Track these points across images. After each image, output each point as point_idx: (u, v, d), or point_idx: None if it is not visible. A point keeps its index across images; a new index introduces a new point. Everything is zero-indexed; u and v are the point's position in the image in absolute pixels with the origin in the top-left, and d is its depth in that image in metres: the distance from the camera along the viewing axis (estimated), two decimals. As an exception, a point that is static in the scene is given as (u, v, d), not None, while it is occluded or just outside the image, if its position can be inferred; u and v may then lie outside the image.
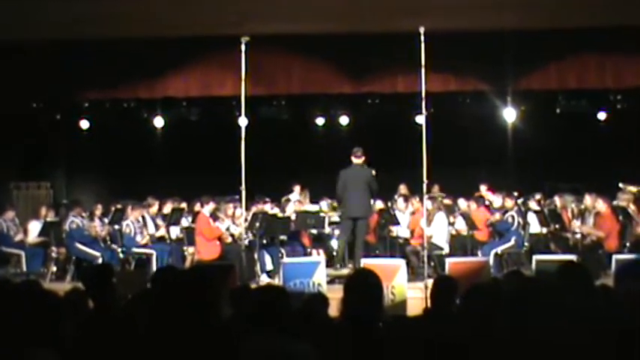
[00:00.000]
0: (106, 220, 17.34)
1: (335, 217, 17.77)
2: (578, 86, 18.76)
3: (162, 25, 16.48)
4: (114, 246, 16.91)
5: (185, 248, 17.18)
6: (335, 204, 17.80)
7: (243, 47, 14.59)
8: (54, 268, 16.75)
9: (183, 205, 18.65)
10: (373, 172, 15.71)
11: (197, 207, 17.56)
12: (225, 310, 5.83)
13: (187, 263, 16.80)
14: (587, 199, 17.16)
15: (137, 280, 13.13)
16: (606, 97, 21.13)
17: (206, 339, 3.96)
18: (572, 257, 14.17)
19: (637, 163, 20.01)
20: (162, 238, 17.40)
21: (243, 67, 14.57)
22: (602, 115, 22.39)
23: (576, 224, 17.28)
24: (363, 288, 5.20)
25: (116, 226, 17.09)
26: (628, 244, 16.27)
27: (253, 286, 12.36)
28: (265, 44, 16.19)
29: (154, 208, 17.84)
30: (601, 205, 16.43)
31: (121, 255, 16.57)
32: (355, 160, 15.57)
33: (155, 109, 21.35)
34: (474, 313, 5.53)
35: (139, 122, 21.95)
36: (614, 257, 14.30)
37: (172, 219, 17.78)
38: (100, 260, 15.75)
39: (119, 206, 17.63)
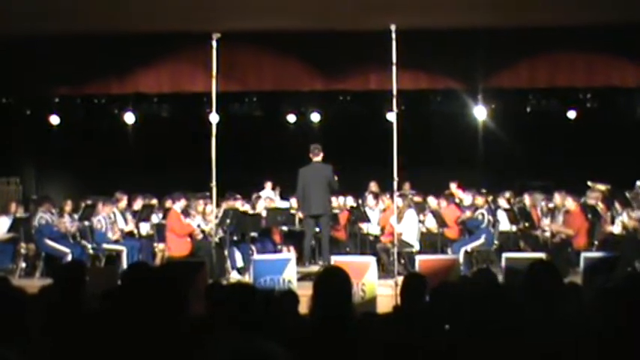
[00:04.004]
0: (76, 216, 17.25)
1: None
2: (548, 85, 18.84)
3: (133, 20, 16.43)
4: (84, 242, 16.83)
5: (155, 245, 17.14)
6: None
7: (214, 44, 14.55)
8: (23, 265, 16.65)
9: (154, 201, 18.61)
10: (332, 171, 15.67)
11: (168, 203, 17.51)
12: (196, 306, 5.83)
13: (158, 260, 16.76)
14: (557, 198, 17.27)
15: (107, 277, 13.08)
16: (576, 95, 21.28)
17: (175, 336, 3.97)
18: (542, 255, 14.27)
19: (606, 161, 20.17)
20: (131, 234, 17.32)
21: (214, 63, 14.54)
22: (572, 114, 22.54)
23: (546, 222, 17.40)
24: (332, 285, 5.22)
25: (86, 222, 17.00)
26: (596, 242, 16.38)
27: (224, 283, 12.41)
28: (236, 41, 16.18)
29: (123, 203, 17.74)
30: (570, 204, 16.53)
31: (91, 251, 16.49)
32: (314, 158, 15.58)
33: (126, 105, 21.30)
34: (442, 310, 5.57)
35: (109, 118, 21.89)
36: (583, 255, 14.40)
37: (143, 215, 17.73)
38: (69, 257, 15.66)
39: (89, 202, 17.56)
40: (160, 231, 17.08)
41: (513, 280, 11.76)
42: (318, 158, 15.59)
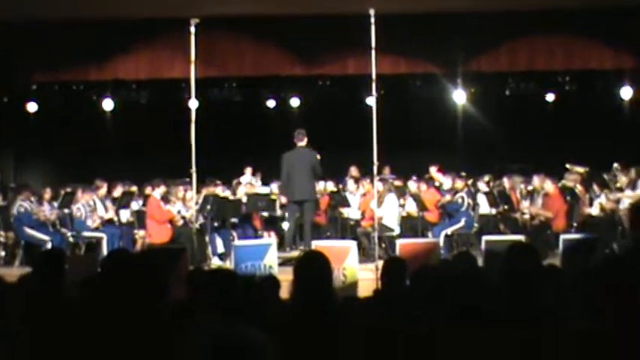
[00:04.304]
0: (56, 204, 17.18)
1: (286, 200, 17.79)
2: (527, 68, 18.91)
3: (111, 6, 16.37)
4: (63, 230, 16.77)
5: (136, 232, 17.10)
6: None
7: (192, 29, 14.47)
8: (2, 253, 16.60)
9: (134, 188, 18.54)
10: (317, 156, 15.69)
11: (148, 190, 17.46)
12: (178, 292, 5.83)
13: (138, 247, 16.72)
14: (536, 180, 17.33)
15: (87, 265, 13.06)
16: (555, 78, 21.34)
17: (156, 322, 3.97)
18: (521, 237, 14.33)
19: (584, 144, 20.26)
20: (111, 221, 17.26)
21: (193, 49, 14.48)
22: (550, 97, 22.63)
23: (525, 205, 17.48)
24: (312, 270, 5.23)
25: (66, 210, 16.94)
26: (575, 224, 16.48)
27: (205, 269, 12.39)
28: (215, 26, 16.16)
29: (103, 190, 17.66)
30: (549, 186, 16.61)
31: (71, 239, 16.42)
32: (299, 143, 15.57)
33: (104, 91, 21.19)
34: (423, 293, 5.59)
35: (88, 105, 21.77)
36: (562, 237, 14.47)
37: (123, 202, 17.67)
38: (49, 244, 15.58)
39: (69, 190, 17.48)
40: (140, 218, 17.04)
41: (493, 262, 11.82)
42: (303, 143, 15.58)
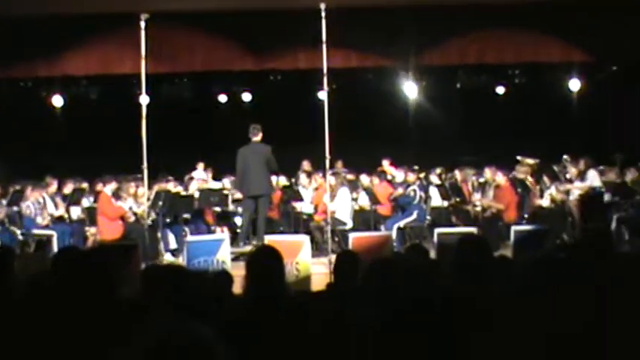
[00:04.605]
0: (4, 202, 17.00)
1: (238, 195, 17.74)
2: (478, 61, 19.00)
3: (60, 2, 16.21)
4: (12, 228, 16.59)
5: (87, 229, 16.96)
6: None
7: (142, 24, 14.40)
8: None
9: (85, 185, 18.41)
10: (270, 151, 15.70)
11: (99, 187, 17.34)
12: (130, 289, 5.80)
13: (89, 244, 16.59)
14: (487, 172, 17.45)
15: (38, 262, 12.93)
16: (505, 71, 21.51)
17: (107, 319, 3.95)
18: (473, 229, 14.45)
19: (534, 136, 20.44)
20: (61, 218, 17.12)
21: (143, 44, 14.40)
22: (500, 90, 22.81)
23: (476, 197, 17.59)
24: (264, 265, 5.23)
25: (15, 208, 16.77)
26: (526, 216, 16.61)
27: (158, 265, 12.33)
28: (165, 21, 16.06)
29: (53, 188, 17.52)
30: (500, 178, 16.73)
31: (20, 237, 16.26)
32: (253, 138, 15.56)
33: (54, 87, 21.01)
34: (376, 287, 5.60)
35: (37, 101, 21.57)
36: (513, 228, 14.61)
37: (73, 199, 17.53)
38: (-2, 243, 15.45)
39: (18, 187, 17.31)
40: (91, 215, 16.90)
41: (445, 254, 11.87)
42: (257, 138, 15.57)
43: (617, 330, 4.33)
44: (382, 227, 16.82)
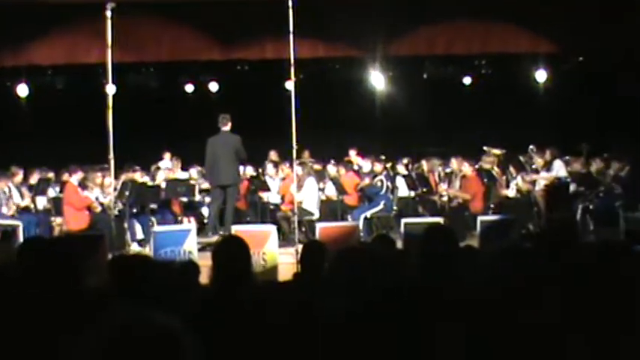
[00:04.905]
0: (-30, 192, 16.90)
1: (205, 185, 17.72)
2: (445, 52, 19.04)
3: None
4: (-22, 218, 16.50)
5: (53, 219, 16.88)
6: (204, 171, 17.73)
7: (108, 14, 14.33)
8: None
9: (51, 174, 18.31)
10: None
11: (65, 177, 17.25)
12: (96, 279, 5.78)
13: (55, 234, 16.52)
14: (454, 163, 17.55)
15: (3, 253, 12.84)
16: (471, 62, 21.58)
17: (72, 310, 3.94)
18: (439, 219, 14.51)
19: (501, 126, 20.54)
20: (27, 209, 17.02)
21: (109, 33, 14.33)
22: (467, 80, 22.90)
23: (443, 187, 17.68)
24: (230, 255, 5.24)
25: (-20, 198, 16.66)
26: (492, 206, 16.70)
27: (124, 255, 12.28)
28: (132, 11, 15.96)
29: (19, 177, 17.40)
30: (467, 168, 16.82)
31: (-15, 227, 16.17)
32: (223, 128, 15.54)
33: (19, 77, 20.82)
34: (342, 277, 5.62)
35: (2, 91, 21.39)
36: (479, 218, 14.71)
37: (39, 189, 17.43)
38: (-38, 234, 15.34)
39: (-18, 177, 17.20)
40: (57, 205, 16.82)
41: (412, 244, 11.91)
42: (227, 128, 15.56)
43: (583, 319, 4.37)
44: (349, 217, 16.86)
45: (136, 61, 19.11)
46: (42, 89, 21.46)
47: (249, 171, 18.81)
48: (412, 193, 17.65)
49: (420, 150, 20.53)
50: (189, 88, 23.09)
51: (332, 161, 18.86)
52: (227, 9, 17.30)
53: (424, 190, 17.64)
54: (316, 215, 16.78)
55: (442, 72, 22.42)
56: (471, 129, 21.29)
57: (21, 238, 15.55)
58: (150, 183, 17.41)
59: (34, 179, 17.88)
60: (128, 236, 15.90)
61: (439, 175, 18.38)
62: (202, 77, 22.57)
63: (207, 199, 17.42)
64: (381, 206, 16.87)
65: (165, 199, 17.29)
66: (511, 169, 17.59)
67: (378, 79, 20.62)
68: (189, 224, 16.20)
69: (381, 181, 17.19)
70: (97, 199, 16.15)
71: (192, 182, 17.88)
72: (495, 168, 17.45)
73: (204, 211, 17.58)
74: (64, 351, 2.44)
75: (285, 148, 15.86)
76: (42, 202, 17.48)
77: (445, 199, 17.38)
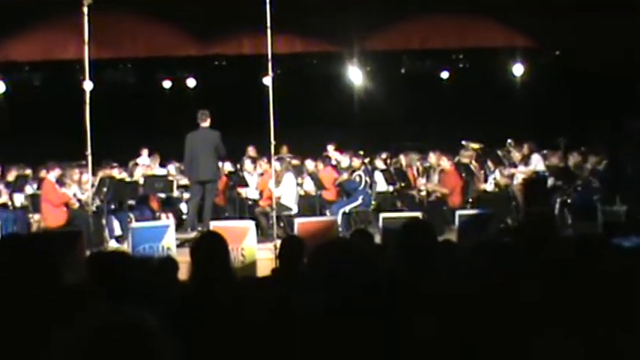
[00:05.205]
0: (-54, 190, 16.82)
1: (183, 181, 17.69)
2: (422, 46, 19.09)
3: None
4: (-45, 216, 16.42)
5: (30, 216, 16.81)
6: (182, 167, 17.70)
7: (85, 10, 14.27)
8: None
9: (28, 171, 18.23)
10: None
11: (43, 173, 17.18)
12: (74, 276, 5.76)
13: (33, 231, 16.44)
14: (432, 157, 17.59)
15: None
16: (449, 57, 21.63)
17: (49, 307, 3.93)
18: (418, 214, 14.54)
19: (479, 120, 20.59)
20: (5, 206, 16.95)
21: (86, 30, 14.27)
22: (445, 75, 22.96)
23: (421, 182, 17.70)
24: (209, 251, 5.24)
25: (-43, 196, 16.59)
26: (470, 200, 16.74)
27: (103, 252, 12.25)
28: (109, 7, 15.91)
29: (-4, 174, 17.37)
30: (445, 163, 16.85)
31: (-38, 225, 16.09)
32: (202, 124, 15.52)
33: (-5, 73, 20.78)
34: (320, 272, 5.63)
35: (-22, 88, 21.32)
36: (458, 213, 14.74)
37: (17, 186, 17.35)
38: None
39: (-40, 175, 17.13)
40: (34, 201, 16.74)
41: (390, 239, 11.93)
42: (206, 124, 15.53)
43: (561, 314, 4.38)
44: (327, 212, 16.85)
45: (113, 57, 19.09)
46: (19, 86, 21.38)
47: (228, 167, 18.78)
48: (390, 188, 17.66)
49: (399, 145, 20.55)
50: (167, 84, 23.07)
51: (310, 156, 18.86)
52: (204, 4, 17.28)
53: (402, 184, 17.65)
54: (295, 210, 16.77)
55: (420, 67, 22.47)
56: (449, 123, 21.34)
57: (-2, 236, 15.50)
58: (128, 179, 17.34)
59: (11, 176, 17.79)
60: (106, 233, 15.85)
61: (417, 170, 18.41)
62: (180, 73, 22.55)
63: (186, 195, 17.40)
64: (359, 201, 16.88)
65: (144, 195, 17.26)
66: (489, 163, 17.64)
67: (355, 74, 20.65)
68: (168, 220, 16.16)
69: (360, 176, 17.21)
70: (74, 195, 16.09)
71: (170, 178, 17.85)
72: (473, 162, 17.48)
73: (183, 207, 17.56)
74: (42, 349, 2.43)
75: (263, 144, 15.85)
76: (19, 199, 17.39)
77: (423, 193, 17.41)
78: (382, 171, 17.89)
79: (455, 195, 16.53)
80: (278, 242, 12.00)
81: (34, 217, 16.63)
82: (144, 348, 2.20)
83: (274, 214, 14.92)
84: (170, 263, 7.67)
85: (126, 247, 14.60)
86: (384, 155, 19.34)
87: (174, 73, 22.68)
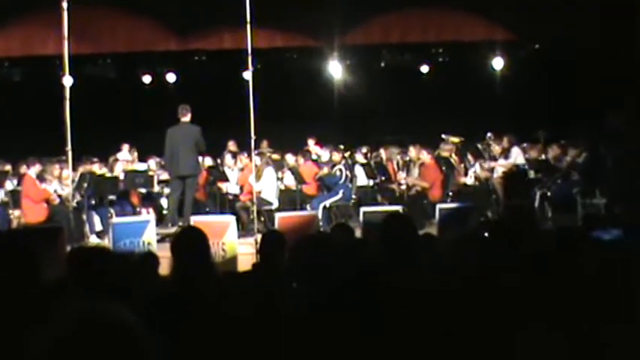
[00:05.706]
0: None
1: (164, 176, 17.66)
2: (401, 40, 19.13)
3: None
4: None
5: (11, 212, 16.74)
6: (163, 162, 17.66)
7: (65, 5, 14.22)
8: None
9: (8, 167, 18.15)
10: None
11: (23, 169, 17.11)
12: (55, 272, 5.75)
13: (13, 226, 16.39)
14: (412, 151, 17.62)
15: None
16: (429, 50, 21.66)
17: (29, 303, 3.93)
18: (398, 208, 14.56)
19: (459, 114, 20.64)
20: (-16, 202, 16.90)
21: (66, 25, 14.22)
22: (425, 69, 23.00)
23: (402, 176, 17.74)
24: (189, 246, 5.24)
25: (-63, 191, 16.52)
26: (450, 193, 16.79)
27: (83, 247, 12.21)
28: (88, 2, 15.88)
29: (-24, 171, 17.29)
30: (425, 156, 16.89)
31: (-58, 221, 16.03)
32: (182, 119, 15.50)
33: (-25, 70, 20.71)
34: (301, 265, 5.64)
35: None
36: (438, 206, 14.78)
37: (-3, 182, 17.31)
38: None
39: (-60, 170, 17.05)
40: (15, 197, 16.68)
41: (371, 233, 11.96)
42: (187, 119, 15.50)
43: (542, 307, 4.41)
44: (308, 207, 16.86)
45: (92, 52, 19.04)
46: (-1, 82, 21.34)
47: (208, 162, 18.76)
48: (371, 182, 17.70)
49: (379, 138, 20.61)
50: (147, 79, 23.02)
51: (291, 151, 18.86)
52: (184, -1, 17.28)
53: (383, 178, 17.70)
54: (275, 205, 16.77)
55: (399, 60, 22.50)
56: (429, 117, 21.38)
57: (-22, 232, 15.42)
58: (108, 174, 17.31)
59: (-9, 172, 17.73)
60: (87, 228, 15.82)
61: (398, 164, 18.45)
62: (160, 68, 22.51)
63: (166, 190, 17.36)
64: (339, 195, 16.89)
65: (124, 190, 17.21)
66: (469, 156, 17.70)
67: (335, 69, 20.66)
68: (148, 215, 16.15)
69: (340, 170, 17.22)
70: (55, 191, 16.03)
71: (150, 173, 17.80)
72: (453, 156, 17.53)
73: (163, 202, 17.53)
74: (21, 344, 2.43)
75: (243, 139, 15.84)
76: (-1, 195, 17.35)
77: (404, 187, 17.45)
78: (362, 165, 17.91)
79: (435, 189, 16.58)
80: (259, 237, 12.00)
81: (14, 213, 16.56)
82: (123, 343, 2.21)
83: (255, 208, 14.92)
84: (151, 258, 7.68)
85: (106, 242, 14.55)
86: (364, 149, 19.36)
87: (155, 68, 22.63)
